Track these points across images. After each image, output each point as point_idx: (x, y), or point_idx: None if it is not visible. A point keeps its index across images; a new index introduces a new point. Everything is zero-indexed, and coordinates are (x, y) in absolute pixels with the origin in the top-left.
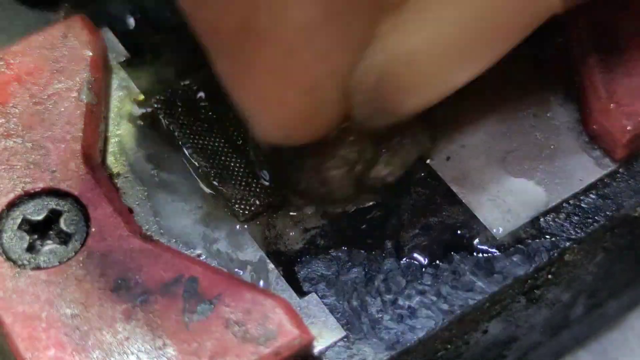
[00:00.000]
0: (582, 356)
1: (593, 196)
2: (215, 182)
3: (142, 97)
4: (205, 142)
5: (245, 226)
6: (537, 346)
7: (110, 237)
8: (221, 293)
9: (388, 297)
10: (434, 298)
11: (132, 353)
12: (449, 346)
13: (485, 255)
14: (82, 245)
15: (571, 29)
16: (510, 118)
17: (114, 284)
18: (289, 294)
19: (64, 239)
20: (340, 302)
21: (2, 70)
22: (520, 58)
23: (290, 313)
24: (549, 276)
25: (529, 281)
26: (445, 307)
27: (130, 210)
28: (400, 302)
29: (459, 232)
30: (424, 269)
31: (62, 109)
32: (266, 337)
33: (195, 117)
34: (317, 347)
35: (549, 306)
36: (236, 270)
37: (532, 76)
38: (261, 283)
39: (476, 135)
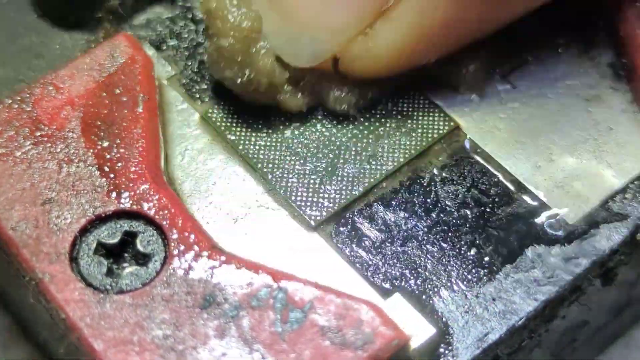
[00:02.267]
0: (638, 335)
1: None
2: (282, 189)
3: (194, 109)
4: (266, 150)
5: (317, 231)
6: (602, 327)
7: (189, 254)
8: (311, 301)
9: (471, 290)
10: (517, 289)
11: None
12: (533, 334)
13: (560, 241)
14: (163, 264)
15: (617, 10)
16: (563, 104)
17: (202, 301)
18: (373, 296)
19: (143, 260)
20: (425, 299)
21: (53, 95)
22: (567, 43)
23: (383, 315)
24: (622, 257)
25: (605, 264)
26: (530, 296)
27: None
28: (484, 294)
29: (531, 220)
30: (502, 261)
31: (120, 129)
32: (364, 341)
33: (253, 124)
34: (410, 347)
35: (618, 287)
36: (317, 276)
37: (579, 61)
38: (343, 287)
39: (532, 123)
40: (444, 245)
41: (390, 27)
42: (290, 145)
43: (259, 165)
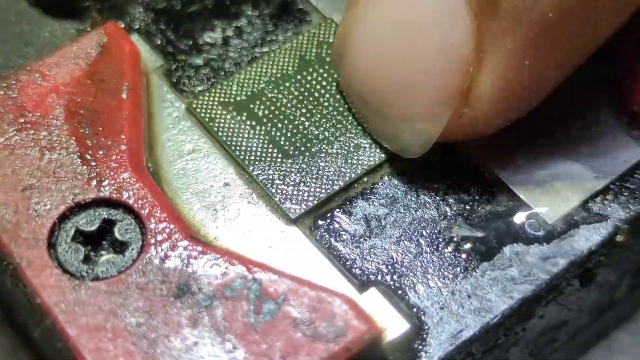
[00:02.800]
0: (621, 338)
1: (638, 176)
2: (263, 182)
3: (179, 100)
4: (250, 142)
5: (296, 224)
6: (583, 329)
7: (167, 243)
8: (285, 293)
9: (447, 287)
10: (493, 286)
11: (202, 358)
12: (509, 333)
13: (538, 240)
14: (140, 253)
15: None
16: (547, 103)
17: (177, 290)
18: (349, 290)
19: (120, 248)
20: (401, 294)
21: (39, 82)
22: None
23: (356, 309)
24: (601, 258)
25: (583, 264)
26: (506, 294)
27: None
28: (460, 291)
29: (510, 219)
30: (479, 259)
31: (104, 118)
32: (335, 334)
33: (237, 117)
34: (384, 341)
35: (598, 288)
36: (294, 269)
37: None
38: (319, 280)
39: (516, 122)
40: (422, 241)
41: (480, 101)
42: (273, 138)
43: (241, 157)
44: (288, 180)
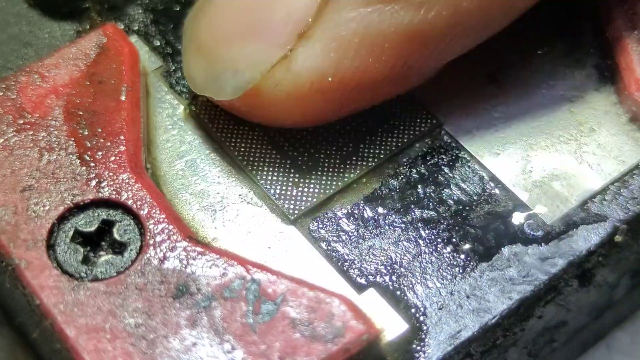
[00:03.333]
0: (620, 338)
1: (637, 177)
2: (262, 182)
3: (178, 101)
4: (249, 143)
5: (295, 225)
6: (582, 329)
7: (165, 244)
8: (284, 293)
9: (446, 287)
10: (492, 287)
11: (201, 358)
12: (507, 333)
13: (537, 241)
14: (138, 254)
15: (605, 12)
16: (547, 104)
17: (175, 290)
18: (347, 291)
19: (119, 249)
20: (400, 295)
21: (38, 83)
22: (552, 44)
23: (354, 310)
24: (599, 258)
25: (582, 265)
26: (505, 295)
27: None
28: (458, 292)
29: (509, 219)
30: (478, 259)
31: (103, 119)
32: (334, 335)
33: (236, 117)
34: (382, 342)
35: (597, 288)
36: (293, 270)
37: (564, 62)
38: (318, 281)
39: (514, 122)
40: (421, 241)
41: (311, 47)
42: (272, 139)
43: (240, 158)
44: (287, 181)
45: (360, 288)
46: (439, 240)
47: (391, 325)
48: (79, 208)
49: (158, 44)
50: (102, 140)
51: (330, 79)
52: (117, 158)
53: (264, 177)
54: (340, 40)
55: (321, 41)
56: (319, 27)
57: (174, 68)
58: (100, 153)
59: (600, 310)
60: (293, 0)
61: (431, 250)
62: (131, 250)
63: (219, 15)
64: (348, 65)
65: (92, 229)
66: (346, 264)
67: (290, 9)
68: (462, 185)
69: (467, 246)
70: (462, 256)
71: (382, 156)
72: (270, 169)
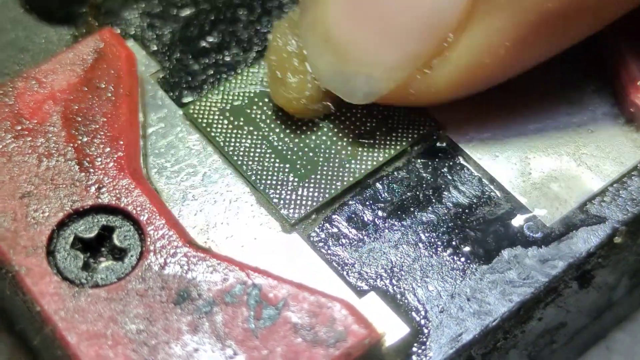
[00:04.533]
0: (619, 338)
1: (636, 178)
2: (261, 187)
3: (176, 106)
4: (247, 147)
5: (295, 229)
6: (581, 330)
7: (166, 249)
8: (285, 298)
9: (446, 290)
10: (492, 290)
11: None
12: (508, 335)
13: (537, 243)
14: (139, 259)
15: None
16: (545, 106)
17: (176, 296)
18: (348, 295)
19: (119, 255)
20: (400, 298)
21: (35, 89)
22: None
23: (356, 314)
24: (599, 260)
25: (581, 266)
26: (505, 297)
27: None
28: (459, 295)
29: (509, 222)
30: (478, 262)
31: (101, 124)
32: (336, 339)
33: (234, 122)
34: (383, 346)
35: (596, 289)
36: (293, 274)
37: (562, 63)
38: (319, 285)
39: (513, 125)
40: (421, 245)
41: (449, 67)
42: (271, 143)
43: (239, 163)
44: (286, 185)
45: (360, 292)
46: (439, 243)
47: (392, 329)
48: (78, 214)
49: (155, 48)
50: (101, 146)
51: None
52: (117, 163)
53: (263, 182)
54: (479, 67)
55: (460, 63)
56: (463, 44)
57: (171, 72)
58: (99, 159)
59: (600, 311)
60: (438, 8)
61: (431, 253)
62: (131, 256)
63: (355, 5)
64: (489, 77)
65: (92, 235)
66: (346, 267)
67: (434, 17)
68: (462, 188)
69: (467, 249)
70: (462, 259)
71: (381, 159)
72: (270, 173)
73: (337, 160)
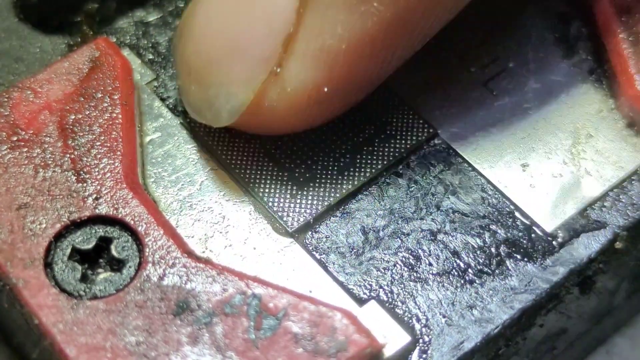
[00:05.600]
0: (620, 343)
1: (636, 183)
2: (259, 196)
3: (172, 115)
4: (246, 155)
5: (294, 238)
6: (582, 335)
7: (164, 260)
8: (285, 308)
9: (447, 298)
10: (494, 297)
11: None
12: (510, 343)
13: (538, 249)
14: (137, 270)
15: (600, 17)
16: (543, 111)
17: (176, 307)
18: (348, 304)
19: (117, 266)
20: (401, 306)
21: (31, 99)
22: (548, 50)
23: (357, 323)
24: (600, 265)
25: (583, 272)
26: (507, 304)
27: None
28: (460, 302)
29: (509, 228)
30: (479, 269)
31: (98, 134)
32: (337, 349)
33: (232, 130)
34: (385, 355)
35: (597, 295)
36: (293, 283)
37: (561, 68)
38: (319, 295)
39: (511, 129)
40: (421, 252)
41: (295, 59)
42: (269, 151)
43: (237, 171)
44: (285, 193)
45: (361, 301)
46: (439, 250)
47: (393, 338)
48: (76, 225)
49: (150, 57)
50: (97, 156)
51: (326, 89)
52: (114, 174)
53: (262, 190)
54: (329, 48)
55: (309, 52)
56: (303, 35)
57: (167, 81)
58: (96, 169)
59: (600, 316)
60: (271, 11)
61: (431, 260)
62: (130, 267)
63: (204, 35)
64: (341, 72)
65: (90, 246)
66: (346, 276)
67: (270, 19)
68: (461, 194)
69: (467, 256)
70: (463, 266)
71: (379, 166)
72: (268, 182)
73: (335, 168)
